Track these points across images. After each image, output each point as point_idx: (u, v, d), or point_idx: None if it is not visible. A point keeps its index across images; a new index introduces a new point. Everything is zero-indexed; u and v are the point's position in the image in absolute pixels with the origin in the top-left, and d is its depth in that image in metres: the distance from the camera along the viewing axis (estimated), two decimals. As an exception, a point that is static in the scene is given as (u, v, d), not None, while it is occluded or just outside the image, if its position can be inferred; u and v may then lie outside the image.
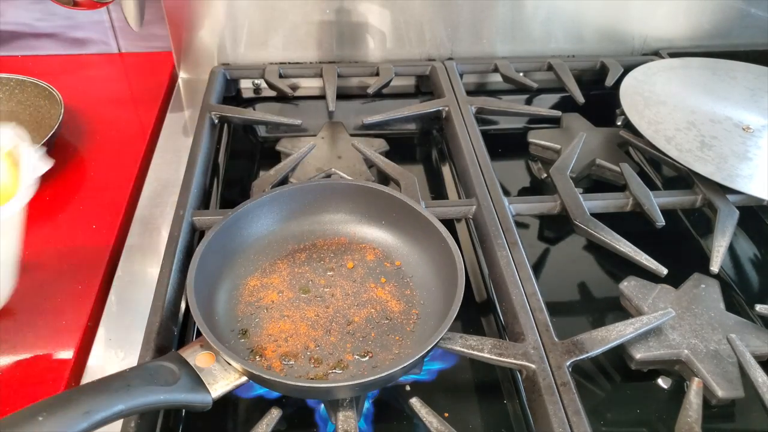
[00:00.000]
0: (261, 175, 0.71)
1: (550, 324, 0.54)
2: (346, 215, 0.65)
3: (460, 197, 0.76)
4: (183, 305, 0.58)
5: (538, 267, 0.68)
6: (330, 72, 0.89)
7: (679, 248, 0.71)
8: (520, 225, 0.71)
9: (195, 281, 0.52)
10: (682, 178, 0.72)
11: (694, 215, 0.75)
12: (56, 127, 0.71)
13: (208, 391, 0.46)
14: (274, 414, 0.47)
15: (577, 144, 0.76)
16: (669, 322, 0.56)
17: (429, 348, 0.48)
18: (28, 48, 0.93)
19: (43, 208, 0.68)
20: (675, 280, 0.60)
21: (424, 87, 0.95)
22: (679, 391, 0.54)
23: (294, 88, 0.90)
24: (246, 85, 0.93)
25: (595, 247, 0.65)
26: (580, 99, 0.87)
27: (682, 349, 0.54)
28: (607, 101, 0.85)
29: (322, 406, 0.52)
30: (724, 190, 0.67)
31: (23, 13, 0.90)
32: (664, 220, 0.65)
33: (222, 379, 0.47)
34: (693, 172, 0.68)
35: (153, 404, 0.43)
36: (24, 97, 0.80)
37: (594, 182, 0.79)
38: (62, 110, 0.74)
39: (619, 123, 0.86)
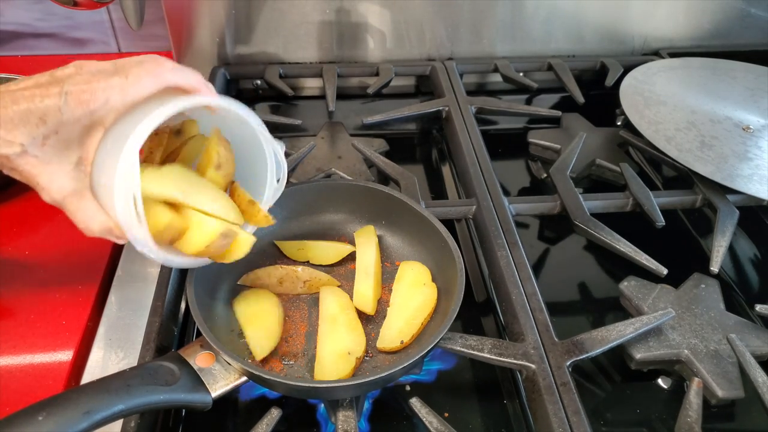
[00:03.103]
0: (261, 175, 0.71)
1: (550, 324, 0.54)
2: (346, 215, 0.65)
3: (460, 197, 0.76)
4: (183, 305, 0.58)
5: (538, 267, 0.68)
6: (330, 72, 0.89)
7: (679, 248, 0.71)
8: (520, 225, 0.71)
9: (195, 281, 0.52)
10: (682, 178, 0.72)
11: (694, 215, 0.75)
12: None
13: (208, 391, 0.46)
14: (274, 414, 0.47)
15: (577, 144, 0.76)
16: (669, 322, 0.56)
17: (429, 348, 0.48)
18: (28, 48, 0.93)
19: (43, 208, 0.67)
20: (675, 280, 0.60)
21: (424, 87, 0.95)
22: (679, 391, 0.54)
23: (294, 88, 0.90)
24: (246, 86, 0.93)
25: (595, 247, 0.65)
26: (580, 99, 0.87)
27: (682, 349, 0.54)
28: (607, 101, 0.85)
29: (322, 405, 0.52)
30: (724, 190, 0.67)
31: (23, 13, 0.90)
32: (664, 220, 0.65)
33: (222, 379, 0.47)
34: (693, 172, 0.68)
35: (153, 404, 0.43)
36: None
37: (594, 182, 0.79)
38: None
39: (619, 123, 0.86)
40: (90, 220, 0.45)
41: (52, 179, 0.44)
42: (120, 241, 0.48)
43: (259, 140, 0.52)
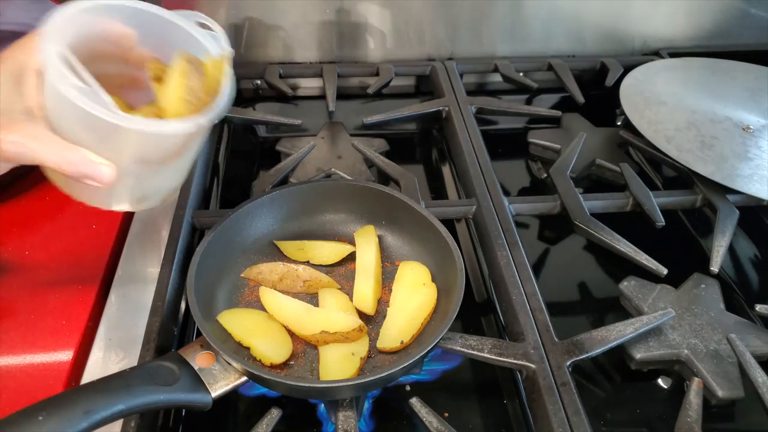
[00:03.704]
0: (261, 175, 0.71)
1: (550, 324, 0.54)
2: (346, 215, 0.65)
3: (460, 197, 0.76)
4: (183, 305, 0.58)
5: (538, 267, 0.68)
6: (330, 72, 0.89)
7: (679, 248, 0.71)
8: (520, 225, 0.71)
9: (195, 281, 0.52)
10: (682, 178, 0.72)
11: (694, 215, 0.75)
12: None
13: (208, 391, 0.46)
14: (274, 414, 0.47)
15: (577, 144, 0.76)
16: (669, 322, 0.56)
17: (429, 348, 0.48)
18: (28, 48, 0.93)
19: (43, 208, 0.68)
20: (675, 280, 0.60)
21: (424, 87, 0.95)
22: (679, 391, 0.54)
23: (294, 88, 0.90)
24: (246, 86, 0.93)
25: (595, 247, 0.65)
26: (580, 99, 0.87)
27: (682, 349, 0.54)
28: (607, 101, 0.85)
29: (323, 405, 0.52)
30: (724, 190, 0.67)
31: (23, 13, 0.90)
32: (664, 220, 0.65)
33: (222, 379, 0.47)
34: (693, 172, 0.68)
35: (153, 404, 0.43)
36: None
37: (594, 182, 0.79)
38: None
39: (619, 123, 0.86)
40: (62, 150, 0.43)
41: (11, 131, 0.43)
42: (106, 176, 0.44)
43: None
